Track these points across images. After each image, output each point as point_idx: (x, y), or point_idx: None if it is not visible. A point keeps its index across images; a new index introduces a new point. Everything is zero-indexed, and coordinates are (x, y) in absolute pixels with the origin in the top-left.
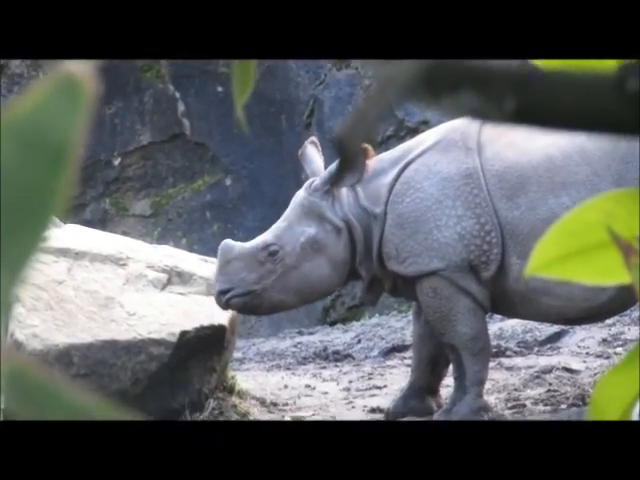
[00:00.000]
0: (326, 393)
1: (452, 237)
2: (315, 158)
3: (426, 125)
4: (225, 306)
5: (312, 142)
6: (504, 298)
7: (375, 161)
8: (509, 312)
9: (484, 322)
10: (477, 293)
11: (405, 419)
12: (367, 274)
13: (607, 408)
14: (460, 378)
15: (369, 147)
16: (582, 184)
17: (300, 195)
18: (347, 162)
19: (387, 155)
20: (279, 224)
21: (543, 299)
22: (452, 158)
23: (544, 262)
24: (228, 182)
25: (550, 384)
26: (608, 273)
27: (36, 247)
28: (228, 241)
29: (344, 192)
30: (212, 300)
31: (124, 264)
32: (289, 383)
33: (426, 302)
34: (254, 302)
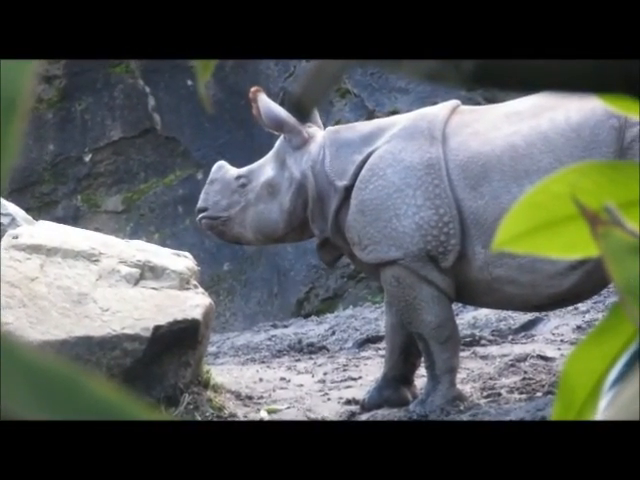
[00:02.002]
0: (301, 385)
1: (410, 227)
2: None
3: (396, 115)
4: (199, 224)
5: None
6: (469, 287)
7: (347, 129)
8: (474, 301)
9: (449, 310)
10: (440, 282)
11: (393, 420)
12: (320, 234)
13: (577, 382)
14: (431, 367)
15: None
16: (545, 172)
17: (280, 138)
18: (303, 120)
19: (359, 127)
20: (259, 161)
21: (507, 287)
22: (417, 147)
23: (511, 236)
24: (200, 176)
25: (525, 372)
26: (576, 246)
27: None
28: (221, 162)
29: (318, 148)
30: (185, 294)
31: (96, 260)
32: (264, 376)
33: (390, 291)
34: (220, 228)
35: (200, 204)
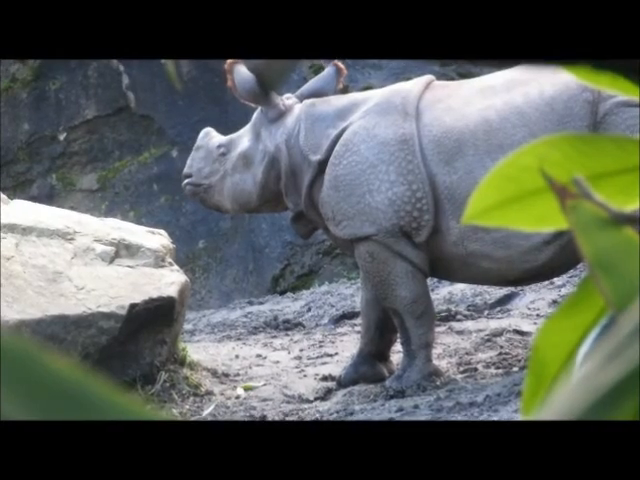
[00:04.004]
0: (277, 362)
1: (383, 202)
2: (319, 79)
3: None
4: (184, 189)
5: (335, 64)
6: (444, 262)
7: (323, 102)
8: (450, 276)
9: (424, 285)
10: (414, 257)
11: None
12: (294, 207)
13: (548, 356)
14: (406, 343)
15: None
16: (519, 145)
17: (258, 109)
18: (266, 92)
19: (335, 100)
20: (240, 130)
21: (482, 262)
22: (390, 122)
23: (481, 210)
24: (175, 154)
25: (501, 347)
26: (546, 219)
27: None
28: (208, 129)
29: (293, 122)
30: (161, 272)
31: (71, 238)
32: (240, 353)
33: (365, 267)
34: (202, 195)
35: (185, 170)
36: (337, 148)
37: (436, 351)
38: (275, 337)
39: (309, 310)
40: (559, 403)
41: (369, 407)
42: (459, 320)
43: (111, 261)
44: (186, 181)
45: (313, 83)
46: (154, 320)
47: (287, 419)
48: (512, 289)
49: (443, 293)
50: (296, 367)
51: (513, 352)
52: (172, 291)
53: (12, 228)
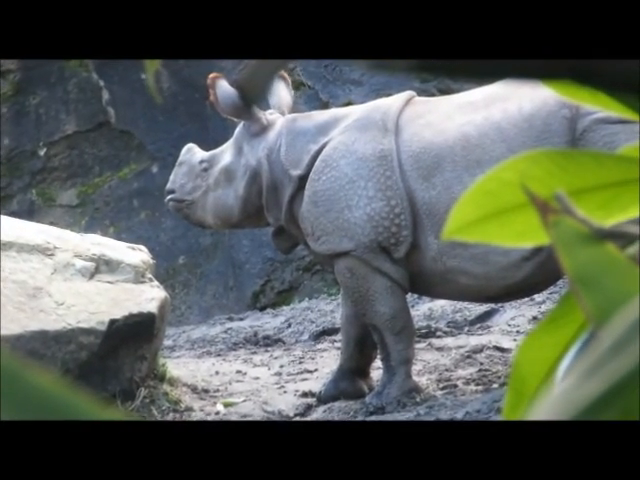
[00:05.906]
0: (257, 378)
1: (361, 218)
2: (280, 92)
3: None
4: (167, 205)
5: (281, 76)
6: (423, 278)
7: (304, 118)
8: (429, 292)
9: (403, 301)
10: (393, 273)
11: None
12: (274, 222)
13: (528, 372)
14: (386, 359)
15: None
16: (497, 161)
17: (240, 124)
18: (248, 104)
19: (316, 116)
20: (222, 146)
21: (461, 278)
22: (370, 138)
23: (461, 225)
24: (155, 169)
25: (481, 364)
26: (527, 234)
27: None
28: (190, 145)
29: (275, 136)
30: (141, 288)
31: (51, 254)
32: (220, 369)
33: (344, 283)
34: (185, 211)
35: (168, 185)
36: (317, 163)
37: (416, 367)
38: (255, 353)
39: (289, 326)
40: (539, 418)
41: None
42: (439, 337)
43: (91, 277)
44: (169, 197)
45: (272, 99)
46: (134, 336)
47: None
48: (492, 306)
49: (423, 309)
50: (276, 383)
51: (493, 369)
52: (152, 307)
53: None
